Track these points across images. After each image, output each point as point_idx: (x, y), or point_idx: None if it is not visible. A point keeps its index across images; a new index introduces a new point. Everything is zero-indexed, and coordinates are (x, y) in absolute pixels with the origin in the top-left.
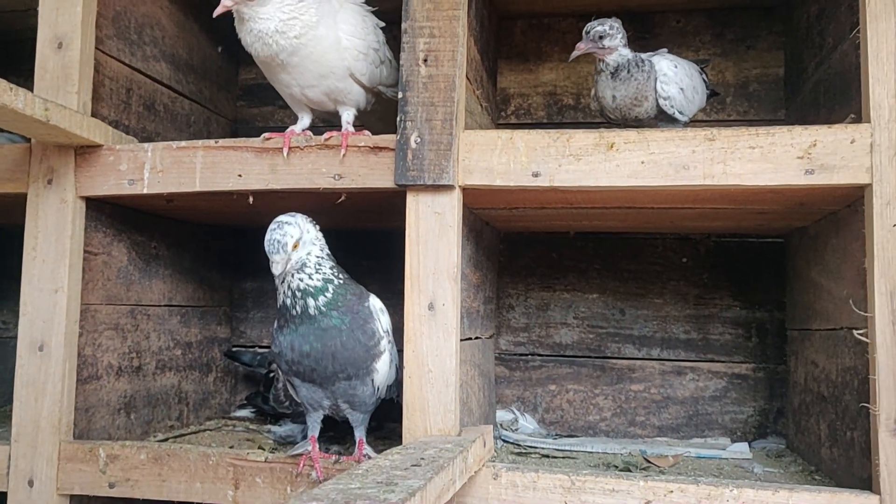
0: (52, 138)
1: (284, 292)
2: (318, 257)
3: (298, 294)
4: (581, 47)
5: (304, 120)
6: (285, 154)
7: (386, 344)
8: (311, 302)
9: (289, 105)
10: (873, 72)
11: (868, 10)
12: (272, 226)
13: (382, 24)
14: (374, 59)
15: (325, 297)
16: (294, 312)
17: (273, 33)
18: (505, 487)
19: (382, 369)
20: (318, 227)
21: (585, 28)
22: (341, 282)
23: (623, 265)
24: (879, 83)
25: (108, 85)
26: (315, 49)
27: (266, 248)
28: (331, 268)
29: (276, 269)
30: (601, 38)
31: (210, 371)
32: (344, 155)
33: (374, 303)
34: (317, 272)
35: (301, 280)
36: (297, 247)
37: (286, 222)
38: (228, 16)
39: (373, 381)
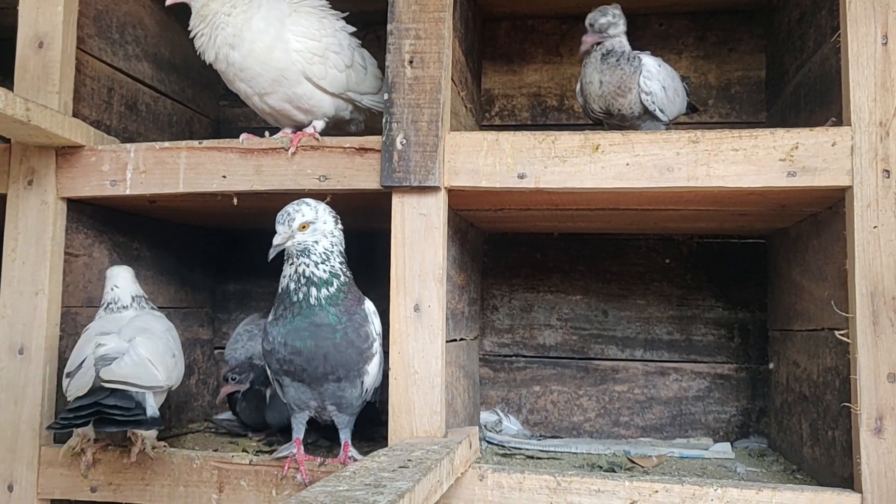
0: (32, 139)
1: (290, 276)
2: (326, 250)
3: (303, 281)
4: (587, 40)
5: (287, 130)
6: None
7: (377, 347)
8: (313, 291)
9: (268, 123)
10: (854, 75)
11: (848, 14)
12: (293, 202)
13: (352, 30)
14: (336, 62)
15: (328, 290)
16: (295, 298)
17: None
18: (491, 489)
19: (373, 371)
20: (340, 224)
21: (589, 20)
22: (347, 279)
23: (606, 266)
24: (860, 87)
25: (89, 85)
26: (255, 46)
27: (276, 219)
28: (340, 264)
29: (276, 240)
30: (607, 28)
31: (192, 373)
32: (293, 154)
33: (369, 305)
34: (323, 263)
35: (307, 266)
36: (306, 228)
37: (306, 202)
38: None
39: (362, 383)
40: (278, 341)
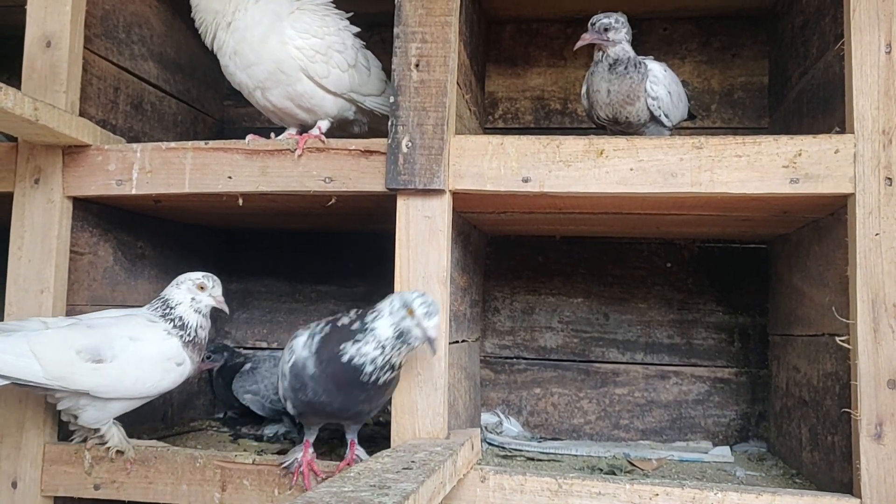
0: (40, 138)
1: (373, 359)
2: None
3: (387, 367)
4: (586, 37)
5: (291, 130)
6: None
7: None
8: (386, 374)
9: (273, 123)
10: (857, 83)
11: (853, 22)
12: (413, 292)
13: (356, 30)
14: (339, 61)
15: (394, 372)
16: (364, 380)
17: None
18: (493, 490)
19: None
20: None
21: (591, 20)
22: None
23: (608, 269)
24: (863, 95)
25: (95, 84)
26: (248, 34)
27: (425, 310)
28: None
29: (434, 333)
30: (606, 30)
31: None
32: (300, 156)
33: None
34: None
35: (400, 353)
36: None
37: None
38: None
39: (378, 405)
40: (311, 388)
